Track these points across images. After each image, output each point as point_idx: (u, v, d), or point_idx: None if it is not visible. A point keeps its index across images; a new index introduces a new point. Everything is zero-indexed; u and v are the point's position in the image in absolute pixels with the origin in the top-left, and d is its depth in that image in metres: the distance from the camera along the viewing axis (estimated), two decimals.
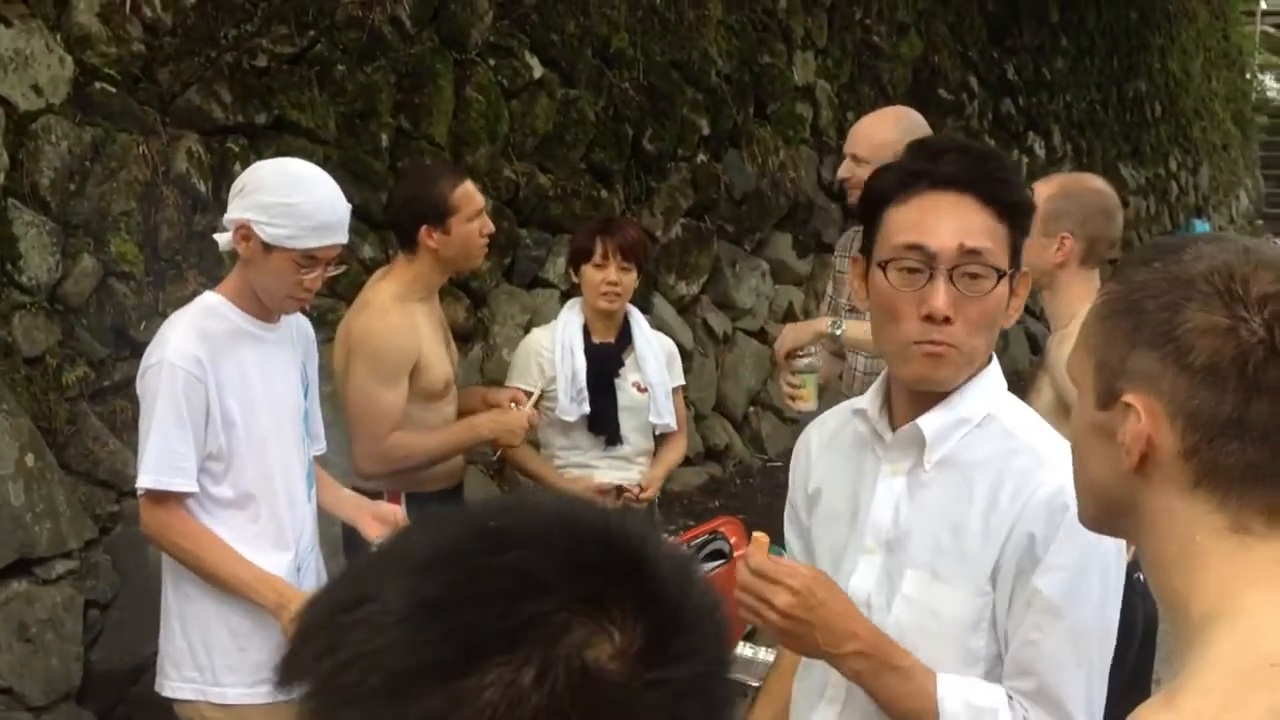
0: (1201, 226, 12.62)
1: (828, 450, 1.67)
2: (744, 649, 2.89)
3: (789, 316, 6.45)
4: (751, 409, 6.28)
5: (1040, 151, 9.76)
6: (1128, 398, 0.97)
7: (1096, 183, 2.87)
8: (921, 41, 7.98)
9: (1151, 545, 1.00)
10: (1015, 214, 1.50)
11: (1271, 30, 25.74)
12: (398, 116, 4.47)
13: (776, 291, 6.59)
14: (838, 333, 2.93)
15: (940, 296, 1.45)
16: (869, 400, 1.59)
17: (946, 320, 1.45)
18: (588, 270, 3.22)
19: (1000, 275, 1.47)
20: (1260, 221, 15.96)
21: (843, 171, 3.08)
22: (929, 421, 1.50)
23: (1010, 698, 1.44)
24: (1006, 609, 1.46)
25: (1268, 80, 22.49)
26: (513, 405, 3.07)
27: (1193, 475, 0.95)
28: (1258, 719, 0.85)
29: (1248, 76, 18.74)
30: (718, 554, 2.71)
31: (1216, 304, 0.94)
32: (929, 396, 1.52)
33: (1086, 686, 1.44)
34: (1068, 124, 10.35)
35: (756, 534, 1.51)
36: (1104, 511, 1.05)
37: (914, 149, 1.57)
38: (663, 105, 5.71)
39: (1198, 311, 0.94)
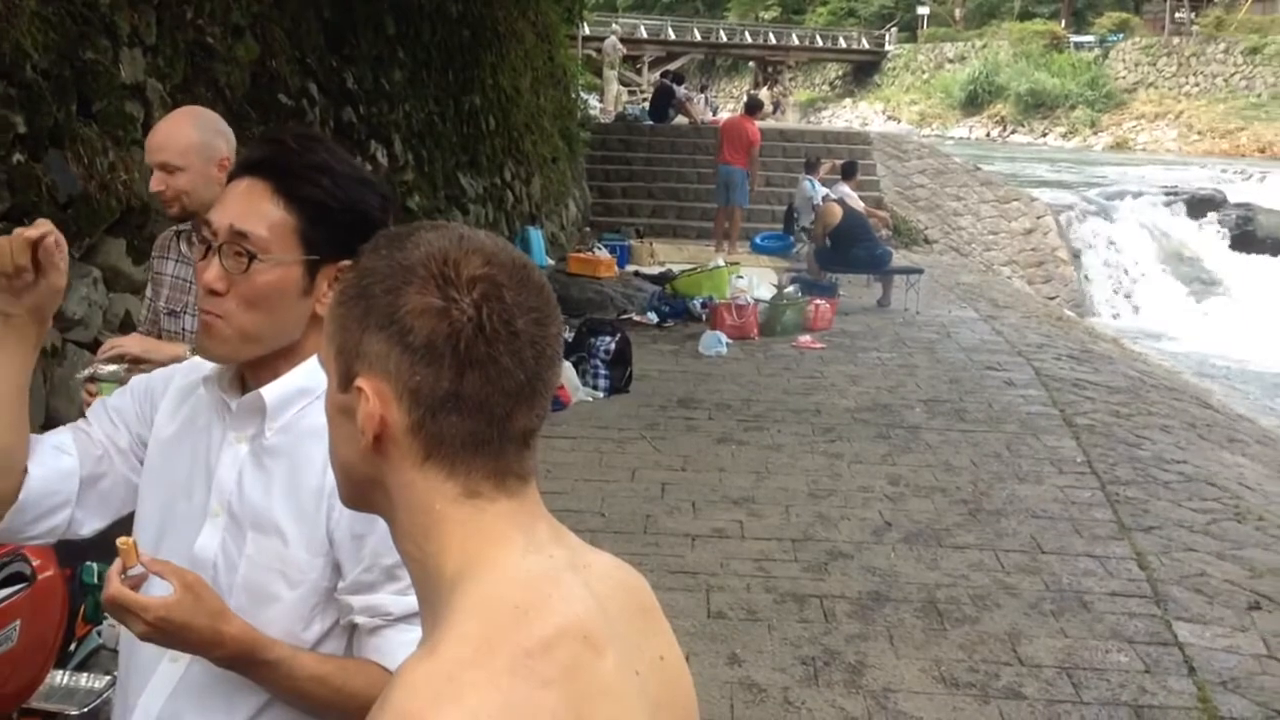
0: (535, 233, 13.59)
1: (175, 414, 1.70)
2: (63, 677, 2.74)
3: (126, 325, 6.14)
4: None
5: (383, 160, 10.02)
6: (359, 381, 1.05)
7: None
8: (258, 45, 7.91)
9: (400, 517, 1.09)
10: (304, 206, 1.59)
11: (593, 54, 28.33)
12: None
13: (111, 300, 6.23)
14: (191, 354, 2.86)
15: (210, 271, 1.58)
16: (216, 370, 1.65)
17: (215, 293, 1.57)
18: None
19: (252, 258, 1.57)
20: (588, 228, 17.48)
21: (155, 185, 2.97)
22: (270, 391, 1.60)
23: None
24: (352, 560, 1.56)
25: (591, 100, 24.72)
26: None
27: (422, 449, 1.05)
28: (509, 656, 0.96)
29: (573, 96, 20.43)
30: (19, 576, 2.55)
31: (432, 286, 1.04)
32: (270, 369, 1.61)
33: None
34: (408, 133, 10.71)
35: (121, 540, 1.49)
36: (356, 490, 1.13)
37: (261, 133, 1.70)
38: None
39: (415, 294, 1.04)
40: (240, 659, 1.50)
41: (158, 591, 1.48)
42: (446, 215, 11.13)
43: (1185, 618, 5.03)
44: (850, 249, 12.89)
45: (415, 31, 10.99)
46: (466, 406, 1.03)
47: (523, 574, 1.02)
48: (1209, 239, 21.00)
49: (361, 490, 1.12)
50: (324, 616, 1.58)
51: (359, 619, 1.55)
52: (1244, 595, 5.30)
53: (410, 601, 1.49)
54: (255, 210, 1.58)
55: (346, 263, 1.57)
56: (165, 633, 1.47)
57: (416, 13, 10.96)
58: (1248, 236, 20.96)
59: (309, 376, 1.59)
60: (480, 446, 1.05)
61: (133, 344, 2.93)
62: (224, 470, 1.62)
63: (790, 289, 12.32)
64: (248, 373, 1.65)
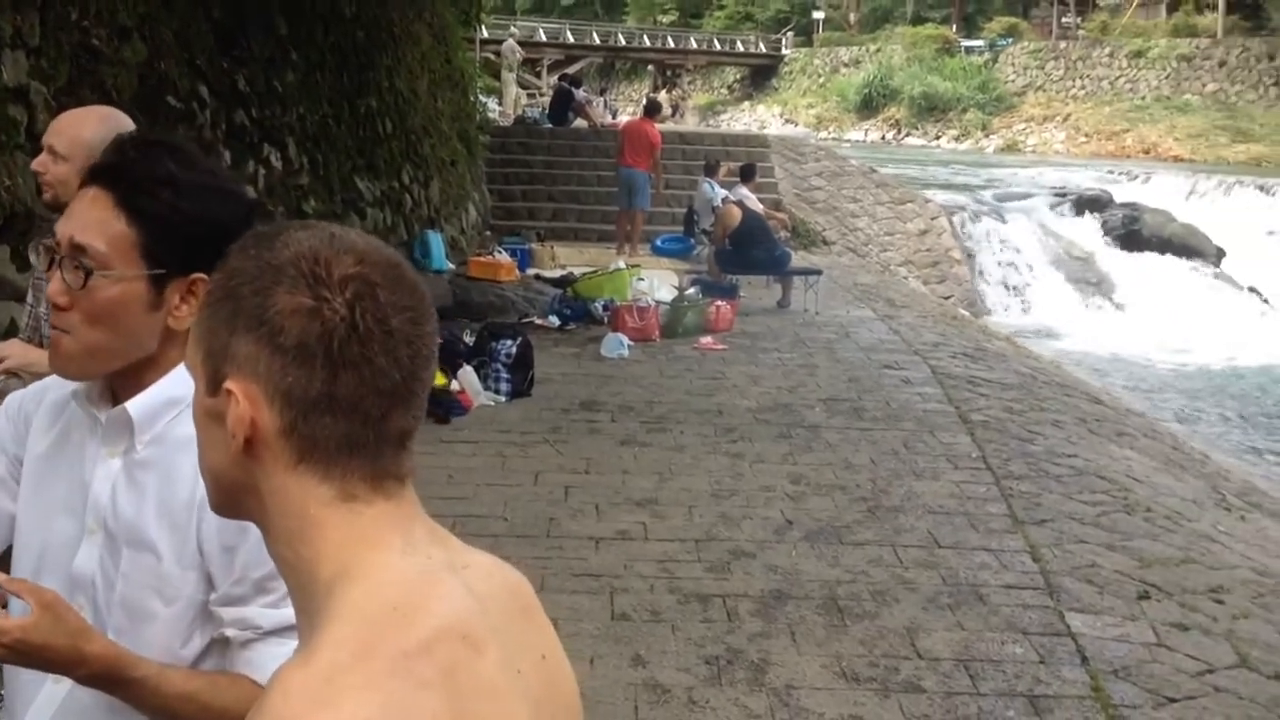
0: (435, 237, 13.48)
1: (49, 430, 1.65)
2: None
3: (10, 333, 5.96)
4: None
5: (277, 163, 9.87)
6: (229, 384, 1.03)
7: None
8: (146, 47, 7.74)
9: (273, 522, 1.06)
10: (145, 220, 1.53)
11: (491, 57, 28.22)
12: None
13: None
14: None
15: (52, 284, 1.53)
16: (84, 384, 1.60)
17: (59, 307, 1.53)
18: None
19: (89, 274, 1.52)
20: (489, 231, 17.38)
21: (37, 165, 2.94)
22: (135, 404, 1.55)
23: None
24: (224, 573, 1.52)
25: (490, 103, 24.60)
26: None
27: (295, 453, 1.03)
28: (388, 658, 0.94)
29: (471, 98, 20.29)
30: None
31: (302, 286, 1.01)
32: (134, 381, 1.56)
33: None
34: (303, 137, 10.56)
35: None
36: (226, 497, 1.10)
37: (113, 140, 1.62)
38: None
39: (285, 294, 1.01)
40: (104, 677, 1.45)
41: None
42: (344, 219, 10.98)
43: (1077, 608, 5.15)
44: (750, 250, 13.00)
45: (308, 33, 10.84)
46: (340, 408, 1.01)
47: (400, 575, 1.01)
48: (1096, 238, 21.56)
49: (232, 496, 1.09)
50: (203, 632, 1.55)
51: (229, 632, 1.53)
52: (1133, 585, 5.44)
53: (281, 615, 1.46)
54: (96, 222, 1.52)
55: (198, 275, 1.53)
56: (23, 654, 1.42)
57: (309, 13, 10.81)
58: (1134, 236, 21.54)
59: (177, 385, 1.54)
60: (356, 448, 1.03)
61: (15, 352, 2.85)
62: (98, 486, 1.58)
63: (691, 291, 12.38)
64: (116, 384, 1.61)
